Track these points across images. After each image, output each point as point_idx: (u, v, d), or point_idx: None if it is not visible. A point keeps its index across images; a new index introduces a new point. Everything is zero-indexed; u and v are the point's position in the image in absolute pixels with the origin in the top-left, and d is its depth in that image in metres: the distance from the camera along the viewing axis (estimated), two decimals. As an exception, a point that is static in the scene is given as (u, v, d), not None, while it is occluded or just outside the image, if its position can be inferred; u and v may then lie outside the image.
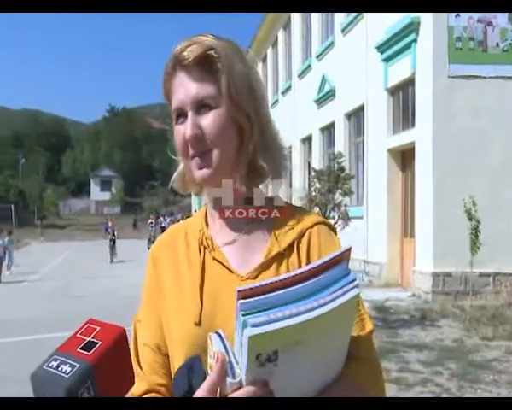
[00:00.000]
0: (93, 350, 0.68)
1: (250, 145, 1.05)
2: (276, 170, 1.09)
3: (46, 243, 37.08)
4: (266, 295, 0.76)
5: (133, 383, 0.75)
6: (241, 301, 0.75)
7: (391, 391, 5.07)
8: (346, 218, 8.37)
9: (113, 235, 22.58)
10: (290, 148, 17.31)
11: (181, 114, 1.04)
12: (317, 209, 8.48)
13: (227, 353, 0.81)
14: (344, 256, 0.83)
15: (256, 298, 0.75)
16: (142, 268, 1.16)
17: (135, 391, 1.02)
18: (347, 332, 0.88)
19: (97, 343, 0.69)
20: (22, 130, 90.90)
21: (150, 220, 33.56)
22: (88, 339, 0.70)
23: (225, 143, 1.03)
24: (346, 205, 8.67)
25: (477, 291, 9.09)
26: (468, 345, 6.68)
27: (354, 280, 0.81)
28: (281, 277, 0.79)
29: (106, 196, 72.12)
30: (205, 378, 0.83)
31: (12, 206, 45.75)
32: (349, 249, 0.84)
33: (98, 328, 0.72)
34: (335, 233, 1.12)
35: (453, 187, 9.19)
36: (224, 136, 1.02)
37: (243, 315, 0.75)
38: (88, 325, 0.73)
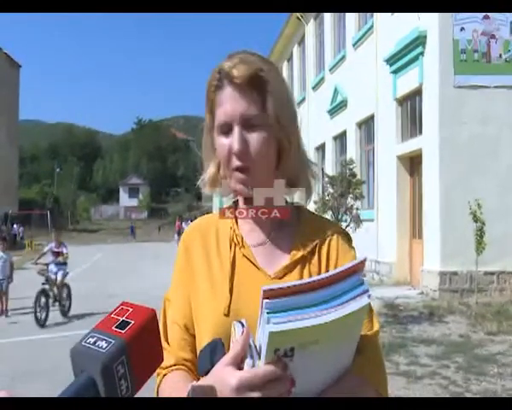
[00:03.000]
0: (127, 329, 0.70)
1: (288, 162, 1.07)
2: (306, 182, 1.12)
3: (80, 246, 37.33)
4: (288, 298, 0.78)
5: (162, 359, 0.77)
6: (266, 300, 0.78)
7: (400, 383, 5.05)
8: (358, 220, 8.36)
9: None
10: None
11: (226, 128, 1.03)
12: (330, 213, 8.48)
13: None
14: (359, 267, 0.85)
15: (279, 299, 0.78)
16: (170, 267, 1.18)
17: (163, 364, 1.04)
18: (357, 334, 0.90)
19: (130, 323, 0.71)
20: (58, 142, 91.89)
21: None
22: (122, 319, 0.71)
23: (267, 161, 1.04)
24: (357, 208, 8.64)
25: (482, 289, 8.98)
26: (473, 340, 6.62)
27: (367, 291, 0.83)
28: (302, 281, 0.81)
29: (134, 202, 72.72)
30: None
31: (48, 212, 46.41)
32: (364, 261, 0.86)
33: (131, 309, 0.73)
34: (351, 242, 1.14)
35: (459, 190, 9.11)
36: (265, 154, 1.03)
37: (267, 313, 0.78)
38: (121, 306, 0.74)
